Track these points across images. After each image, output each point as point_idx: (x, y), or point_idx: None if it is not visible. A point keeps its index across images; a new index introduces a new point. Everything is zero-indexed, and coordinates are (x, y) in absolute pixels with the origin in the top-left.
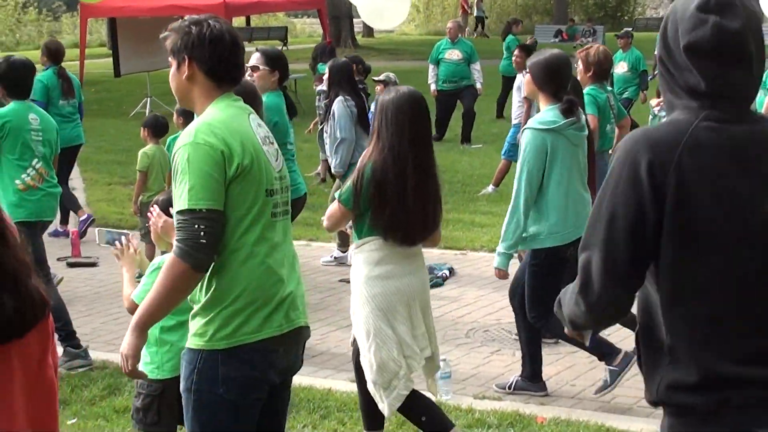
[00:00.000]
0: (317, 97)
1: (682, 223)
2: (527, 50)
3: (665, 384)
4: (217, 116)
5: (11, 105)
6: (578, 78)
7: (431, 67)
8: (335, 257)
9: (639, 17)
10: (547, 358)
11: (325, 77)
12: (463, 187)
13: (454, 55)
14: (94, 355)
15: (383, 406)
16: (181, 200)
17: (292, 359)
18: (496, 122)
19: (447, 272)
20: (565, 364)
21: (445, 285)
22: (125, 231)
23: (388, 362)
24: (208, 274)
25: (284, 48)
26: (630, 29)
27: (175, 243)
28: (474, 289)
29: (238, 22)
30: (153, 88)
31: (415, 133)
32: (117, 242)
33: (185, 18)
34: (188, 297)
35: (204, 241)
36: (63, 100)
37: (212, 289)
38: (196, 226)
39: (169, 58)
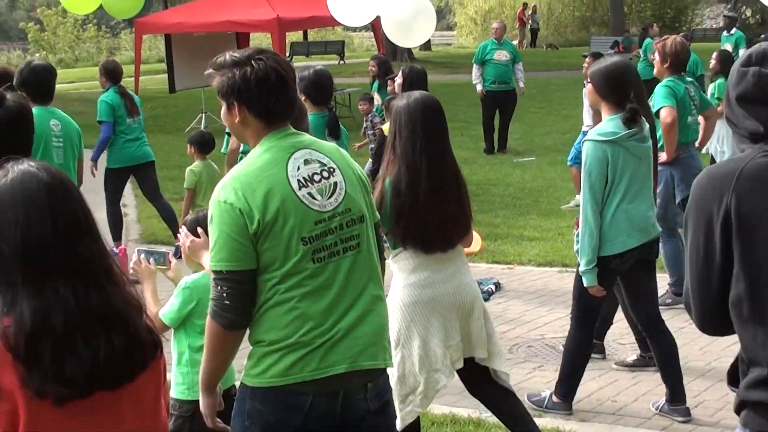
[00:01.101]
0: (366, 120)
1: (745, 237)
2: (597, 57)
3: (744, 385)
4: (249, 167)
5: (34, 110)
6: (655, 71)
7: (476, 67)
8: None
9: (697, 27)
10: (589, 373)
11: (398, 82)
12: (513, 200)
13: (503, 55)
14: None
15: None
16: (210, 258)
17: (346, 404)
18: (550, 135)
19: (493, 287)
20: (608, 379)
21: (490, 300)
22: (163, 249)
23: (408, 377)
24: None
25: (341, 62)
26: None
27: (210, 300)
28: (519, 304)
29: (296, 36)
30: (208, 103)
31: (428, 139)
32: (151, 259)
33: (227, 56)
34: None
35: (228, 302)
36: (129, 118)
37: (253, 329)
38: (219, 287)
39: (218, 98)
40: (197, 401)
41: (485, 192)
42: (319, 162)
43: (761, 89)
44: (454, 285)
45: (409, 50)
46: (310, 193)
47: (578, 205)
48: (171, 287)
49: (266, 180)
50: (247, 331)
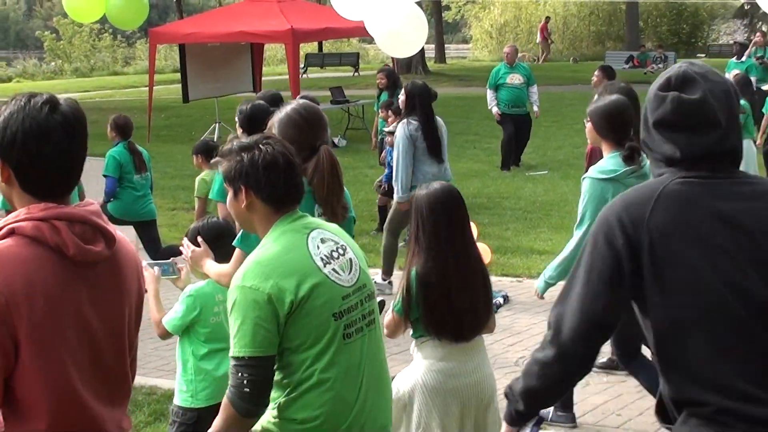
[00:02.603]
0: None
1: (660, 272)
2: (607, 72)
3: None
4: (269, 251)
5: None
6: None
7: (490, 92)
8: (376, 282)
9: (713, 43)
10: (594, 387)
11: (401, 99)
12: (524, 213)
13: (516, 79)
14: (143, 380)
15: None
16: (231, 345)
17: None
18: (562, 149)
19: (501, 300)
20: (612, 393)
21: (498, 312)
22: (168, 261)
23: None
24: (284, 392)
25: (355, 74)
26: (703, 55)
27: (229, 385)
28: (527, 317)
29: (311, 47)
30: (221, 113)
31: (451, 230)
32: (156, 268)
33: (234, 143)
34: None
35: (247, 390)
36: (137, 174)
37: (285, 407)
38: (240, 374)
39: (225, 184)
40: (201, 409)
41: (496, 205)
42: (333, 241)
43: (680, 115)
44: (477, 378)
45: (423, 63)
46: (334, 270)
47: None
48: (177, 294)
49: (292, 261)
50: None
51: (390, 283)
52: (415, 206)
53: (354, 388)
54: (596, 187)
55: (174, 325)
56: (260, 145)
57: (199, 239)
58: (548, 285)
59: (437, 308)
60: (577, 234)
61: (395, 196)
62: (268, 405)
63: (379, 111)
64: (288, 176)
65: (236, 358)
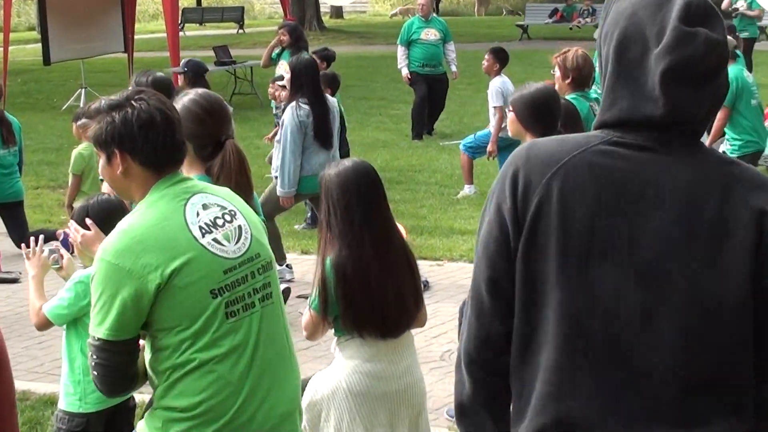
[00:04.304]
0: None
1: (531, 255)
2: (497, 54)
3: None
4: (139, 220)
5: None
6: (556, 86)
7: (401, 49)
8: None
9: None
10: None
11: (286, 77)
12: (441, 188)
13: (431, 34)
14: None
15: None
16: (91, 324)
17: None
18: (480, 115)
19: (421, 286)
20: None
21: None
22: (53, 243)
23: None
24: (161, 382)
25: (240, 32)
26: None
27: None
28: (451, 305)
29: (188, 1)
30: (88, 77)
31: (368, 213)
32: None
33: (101, 101)
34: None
35: (96, 373)
36: (3, 148)
37: (161, 395)
38: (91, 355)
39: (96, 149)
40: (90, 414)
41: (409, 179)
42: (219, 206)
43: (713, 60)
44: (407, 382)
45: (318, 18)
46: (215, 239)
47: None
48: (60, 282)
49: (163, 233)
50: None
51: (289, 266)
52: (324, 188)
53: (242, 372)
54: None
55: (58, 314)
56: (133, 102)
57: (88, 221)
58: None
59: (357, 302)
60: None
61: (278, 189)
62: (128, 391)
63: (271, 86)
64: (167, 135)
65: (90, 337)
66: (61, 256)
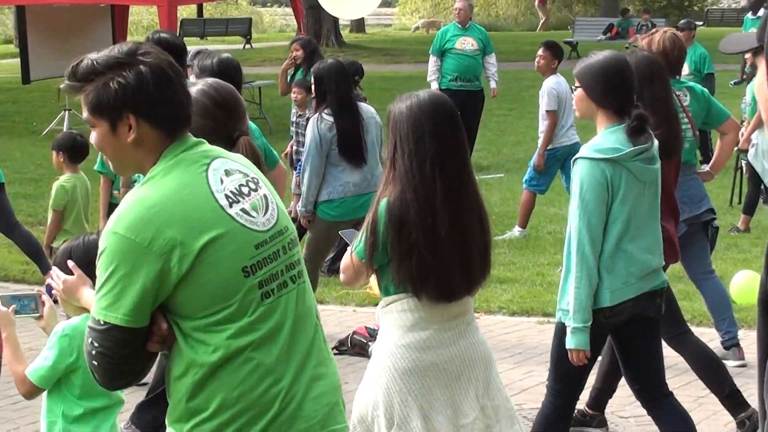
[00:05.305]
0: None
1: None
2: (553, 49)
3: None
4: (156, 187)
5: None
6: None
7: (433, 59)
8: None
9: (712, 8)
10: None
11: (293, 95)
12: None
13: (468, 44)
14: None
15: None
16: (96, 305)
17: None
18: (522, 144)
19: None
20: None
21: None
22: (31, 291)
23: None
24: (187, 379)
25: (247, 47)
26: (700, 23)
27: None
28: None
29: (187, 11)
30: (73, 98)
31: (442, 151)
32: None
33: (99, 57)
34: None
35: (95, 363)
36: None
37: (186, 399)
38: (91, 341)
39: (89, 117)
40: None
41: None
42: (240, 172)
43: None
44: (461, 348)
45: (336, 32)
46: (243, 209)
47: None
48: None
49: (186, 202)
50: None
51: None
52: (392, 122)
53: (281, 357)
54: (595, 170)
55: (42, 376)
56: (140, 57)
57: (70, 264)
58: (585, 332)
59: (415, 254)
60: (574, 246)
61: (298, 206)
62: (130, 385)
63: (294, 96)
64: (181, 92)
65: (93, 320)
66: (42, 303)
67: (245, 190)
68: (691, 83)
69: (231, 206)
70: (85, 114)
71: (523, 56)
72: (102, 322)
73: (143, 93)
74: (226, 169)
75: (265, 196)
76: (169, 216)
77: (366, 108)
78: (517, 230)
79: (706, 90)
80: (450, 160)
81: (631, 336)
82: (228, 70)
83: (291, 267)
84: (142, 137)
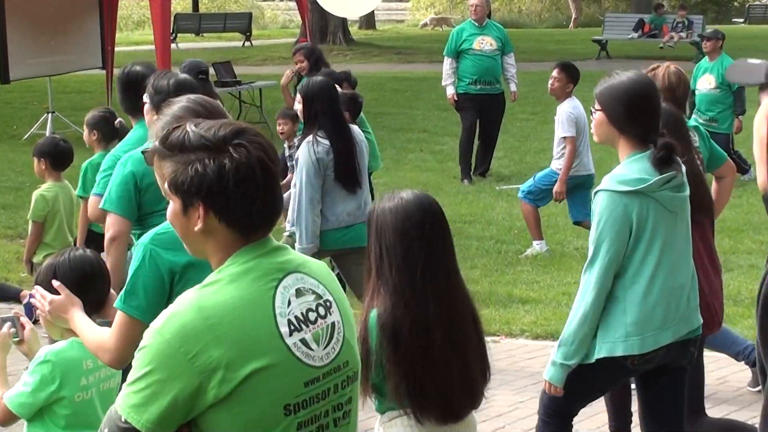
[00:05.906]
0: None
1: None
2: (569, 71)
3: None
4: (217, 294)
5: None
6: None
7: (448, 61)
8: None
9: (754, 3)
10: None
11: (298, 106)
12: (497, 245)
13: (486, 43)
14: None
15: None
16: (119, 397)
17: None
18: (546, 152)
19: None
20: None
21: None
22: (9, 313)
23: None
24: None
25: (246, 44)
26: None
27: None
28: (509, 393)
29: (182, 5)
30: (56, 99)
31: (431, 261)
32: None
33: (189, 131)
34: None
35: None
36: None
37: None
38: (106, 431)
39: (166, 189)
40: None
41: (458, 233)
42: (314, 292)
43: None
44: None
45: (344, 28)
46: (303, 341)
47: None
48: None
49: (244, 322)
50: None
51: None
52: (375, 227)
53: None
54: (617, 204)
55: (21, 403)
56: (231, 148)
57: (56, 284)
58: (564, 369)
59: (415, 375)
60: (591, 278)
61: (297, 244)
62: None
63: (279, 128)
64: (267, 194)
65: (116, 412)
66: (22, 327)
67: (312, 316)
68: (694, 123)
69: (291, 334)
70: (163, 183)
71: (547, 55)
72: (124, 420)
73: (220, 188)
74: (298, 288)
75: (333, 324)
76: (222, 333)
77: (356, 130)
78: (536, 245)
79: (705, 131)
80: (440, 269)
81: (657, 387)
82: (186, 93)
83: (338, 408)
84: (211, 230)
